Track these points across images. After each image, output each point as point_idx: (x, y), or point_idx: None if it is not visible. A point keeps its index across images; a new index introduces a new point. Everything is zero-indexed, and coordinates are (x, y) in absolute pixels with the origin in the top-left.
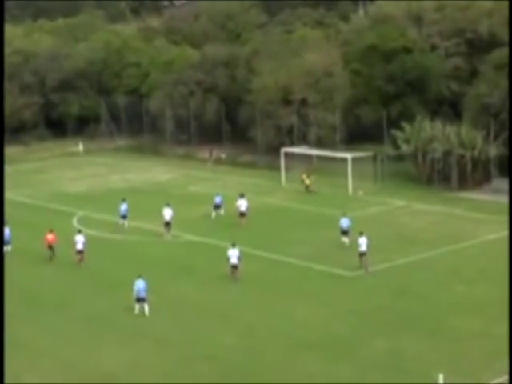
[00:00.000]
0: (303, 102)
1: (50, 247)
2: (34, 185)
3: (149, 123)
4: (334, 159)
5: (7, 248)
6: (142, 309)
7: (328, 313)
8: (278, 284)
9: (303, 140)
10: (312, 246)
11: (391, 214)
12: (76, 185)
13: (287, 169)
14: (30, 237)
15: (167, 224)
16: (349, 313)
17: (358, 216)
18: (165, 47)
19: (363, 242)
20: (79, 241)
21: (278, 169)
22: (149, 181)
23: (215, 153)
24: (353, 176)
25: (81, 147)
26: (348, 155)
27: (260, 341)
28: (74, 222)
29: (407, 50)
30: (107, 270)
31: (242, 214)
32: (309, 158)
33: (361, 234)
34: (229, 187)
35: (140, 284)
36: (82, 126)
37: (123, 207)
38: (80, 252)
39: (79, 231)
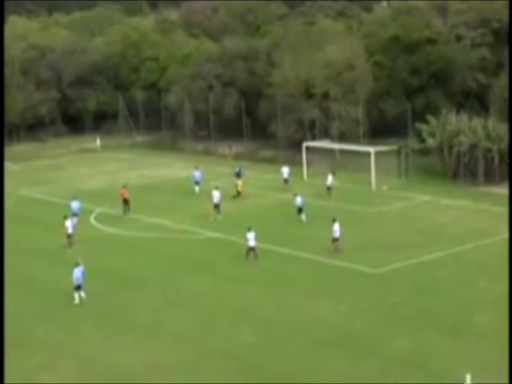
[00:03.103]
0: (325, 95)
1: (126, 201)
2: (51, 182)
3: (167, 118)
4: (356, 154)
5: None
6: (80, 296)
7: (349, 310)
8: (298, 280)
9: (325, 134)
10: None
11: (416, 209)
12: (93, 181)
13: (309, 164)
14: (45, 234)
15: (216, 206)
16: (370, 310)
17: (382, 211)
18: (183, 40)
19: (337, 229)
20: (69, 225)
21: (299, 164)
22: (167, 177)
23: (235, 148)
24: (376, 171)
25: (98, 143)
26: (371, 149)
27: (278, 338)
28: (92, 219)
29: (431, 41)
30: (124, 267)
31: (216, 206)
32: (331, 152)
33: (334, 220)
34: (249, 183)
35: (79, 272)
36: (99, 121)
37: (74, 205)
38: (69, 236)
39: (65, 217)
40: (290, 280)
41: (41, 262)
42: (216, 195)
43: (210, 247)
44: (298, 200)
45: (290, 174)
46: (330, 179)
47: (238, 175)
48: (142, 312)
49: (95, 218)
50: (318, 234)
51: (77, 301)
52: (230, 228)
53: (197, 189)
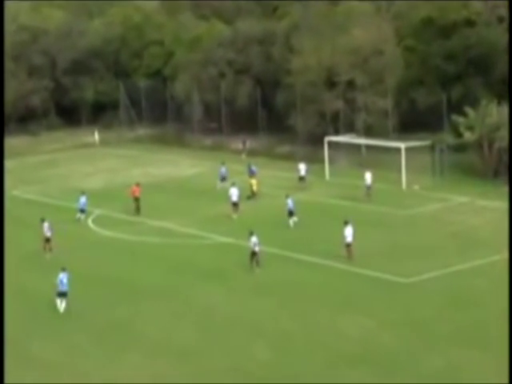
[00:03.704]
0: (350, 84)
1: (137, 199)
2: (44, 180)
3: (173, 110)
4: (385, 150)
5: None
6: (61, 304)
7: (376, 324)
8: (318, 291)
9: (350, 128)
10: (358, 248)
11: (451, 211)
12: (91, 180)
13: (331, 161)
14: (38, 239)
15: (234, 204)
16: (400, 324)
17: (413, 214)
18: (191, 23)
19: (349, 233)
20: (46, 228)
21: (320, 161)
22: (173, 175)
23: (249, 143)
24: (407, 169)
25: (96, 137)
26: (401, 145)
27: (297, 355)
28: (90, 221)
29: (470, 23)
30: (125, 276)
31: (235, 205)
32: (356, 148)
33: (346, 223)
34: (264, 182)
35: (64, 278)
36: (98, 113)
37: (82, 200)
38: (48, 240)
39: (42, 219)
40: (310, 290)
41: (32, 269)
42: (234, 193)
43: (221, 253)
44: (289, 202)
45: (308, 171)
46: (368, 178)
47: (252, 173)
48: (147, 325)
49: (93, 221)
50: (340, 240)
51: (61, 309)
52: (243, 232)
53: (220, 185)
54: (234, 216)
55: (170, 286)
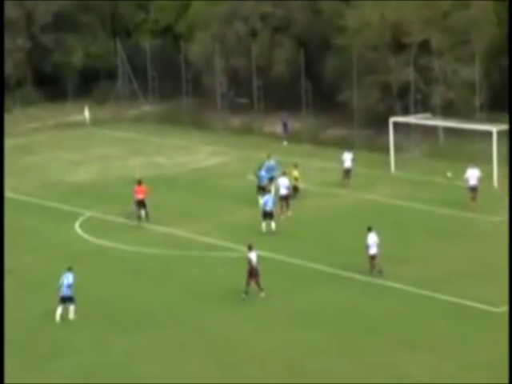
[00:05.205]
0: (424, 46)
1: (141, 203)
2: (19, 171)
3: (189, 80)
4: (470, 134)
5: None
6: (67, 313)
7: (457, 367)
8: (379, 321)
9: (423, 105)
10: (433, 265)
11: None
12: (80, 172)
13: (398, 149)
14: (11, 251)
15: (285, 198)
16: (489, 367)
17: (507, 221)
18: None
19: (373, 243)
20: None
21: (383, 149)
22: (188, 166)
23: (291, 124)
24: (499, 160)
25: (87, 115)
26: (493, 128)
27: None
28: (77, 226)
29: None
30: (122, 299)
31: (285, 199)
32: (432, 131)
33: (369, 229)
34: (309, 176)
35: (69, 278)
36: (89, 83)
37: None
38: None
39: None
40: (366, 320)
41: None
42: (284, 183)
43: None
44: (269, 200)
45: (354, 161)
46: (475, 175)
47: (295, 166)
48: (150, 364)
49: (82, 226)
50: (413, 254)
51: (57, 318)
52: (278, 241)
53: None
54: (289, 214)
55: (180, 314)
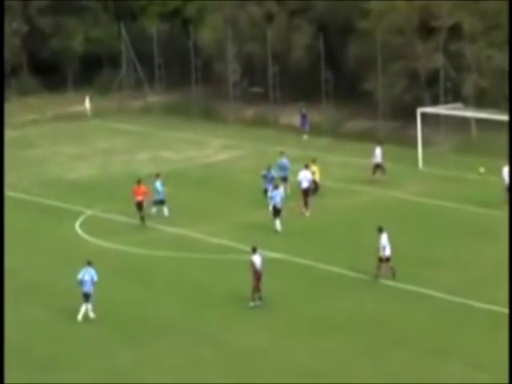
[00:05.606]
0: (454, 31)
1: (140, 205)
2: (15, 167)
3: (199, 67)
4: (505, 126)
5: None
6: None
7: (490, 380)
8: (407, 330)
9: (454, 95)
10: (465, 269)
11: None
12: (81, 167)
13: (427, 143)
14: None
15: (305, 193)
16: None
17: None
18: None
19: (386, 244)
20: None
21: (410, 142)
22: (198, 161)
23: (309, 116)
24: None
25: (88, 106)
26: None
27: None
28: (77, 226)
29: None
30: (127, 306)
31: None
32: (463, 123)
33: (380, 230)
34: (330, 172)
35: (91, 273)
36: (90, 71)
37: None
38: None
39: None
40: (395, 329)
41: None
42: (306, 176)
43: (266, 275)
44: (277, 195)
45: (383, 156)
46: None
47: (313, 161)
48: (159, 374)
49: (82, 226)
50: (445, 257)
51: (80, 318)
52: (299, 243)
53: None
54: (307, 214)
55: (191, 322)
